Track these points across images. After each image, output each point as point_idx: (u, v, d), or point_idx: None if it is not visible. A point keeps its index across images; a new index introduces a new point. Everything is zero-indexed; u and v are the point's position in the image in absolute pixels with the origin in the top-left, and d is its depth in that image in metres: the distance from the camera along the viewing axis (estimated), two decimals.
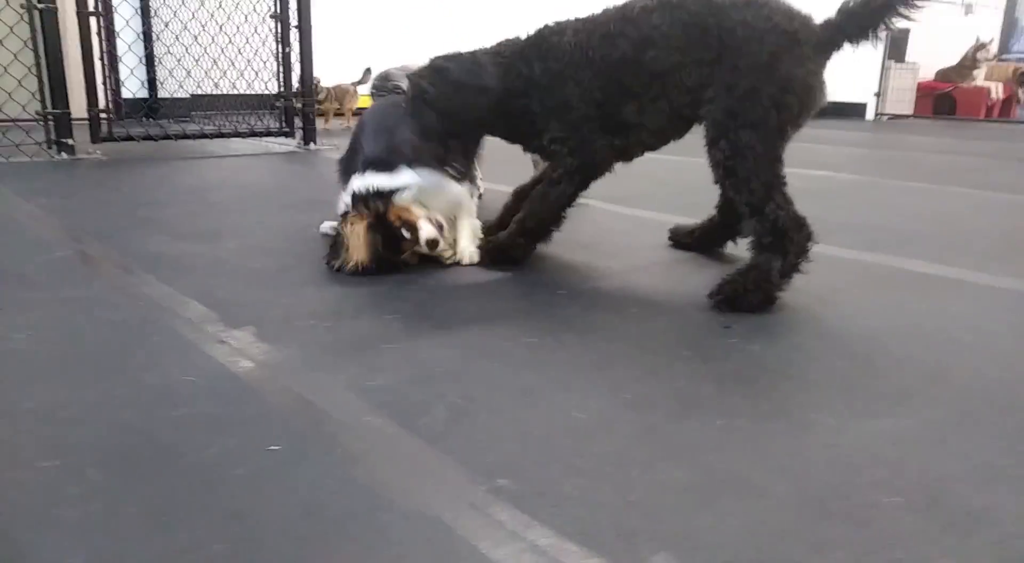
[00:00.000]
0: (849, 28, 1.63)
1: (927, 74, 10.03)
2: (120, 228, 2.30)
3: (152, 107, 4.98)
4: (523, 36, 1.88)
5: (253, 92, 4.64)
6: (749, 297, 1.63)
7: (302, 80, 4.42)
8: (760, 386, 1.24)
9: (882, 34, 1.63)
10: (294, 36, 4.31)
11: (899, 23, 1.60)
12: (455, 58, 1.86)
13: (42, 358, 1.29)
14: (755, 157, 1.62)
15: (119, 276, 1.79)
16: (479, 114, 1.86)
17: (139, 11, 5.19)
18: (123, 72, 4.63)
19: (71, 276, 1.78)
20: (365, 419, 1.10)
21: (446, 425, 1.08)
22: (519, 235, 1.94)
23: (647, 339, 1.46)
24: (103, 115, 3.94)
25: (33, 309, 1.53)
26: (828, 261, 2.11)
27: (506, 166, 2.87)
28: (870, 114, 9.44)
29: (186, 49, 4.55)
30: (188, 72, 4.57)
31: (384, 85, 2.67)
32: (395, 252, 1.86)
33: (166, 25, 4.54)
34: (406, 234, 1.83)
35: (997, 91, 9.92)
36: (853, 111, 9.43)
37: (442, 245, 1.88)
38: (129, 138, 4.01)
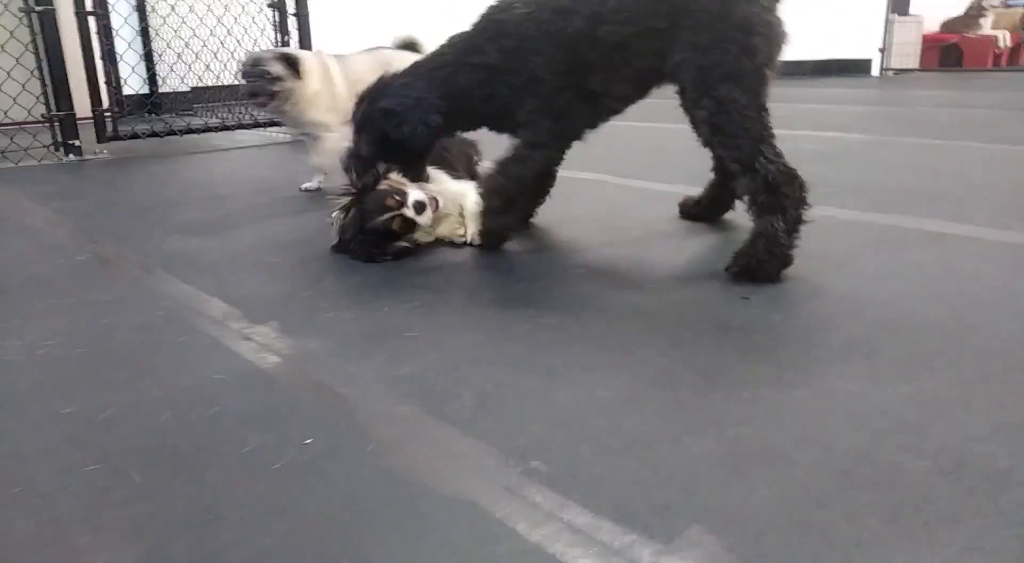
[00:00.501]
0: None
1: (932, 26, 9.90)
2: (135, 228, 2.32)
3: (155, 103, 4.99)
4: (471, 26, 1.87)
5: None
6: (766, 266, 1.63)
7: None
8: (783, 355, 1.26)
9: None
10: (292, 24, 4.30)
11: None
12: (391, 92, 1.85)
13: (75, 363, 1.31)
14: (739, 110, 1.62)
15: (140, 277, 1.81)
16: (422, 143, 1.86)
17: (136, 8, 5.18)
18: (124, 70, 4.63)
19: (93, 279, 1.80)
20: (395, 408, 1.12)
21: (475, 410, 1.10)
22: (500, 203, 1.89)
23: (667, 313, 1.47)
24: (107, 114, 3.96)
25: (61, 314, 1.55)
26: (843, 224, 2.11)
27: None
28: (875, 70, 9.34)
29: (185, 43, 4.54)
30: (189, 66, 4.57)
31: (252, 70, 2.63)
32: (387, 231, 1.89)
33: (164, 20, 4.53)
34: (396, 199, 1.85)
35: (1004, 39, 9.80)
36: (858, 68, 9.33)
37: (428, 215, 1.90)
38: (135, 136, 4.03)
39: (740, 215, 2.12)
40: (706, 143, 1.75)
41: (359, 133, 1.91)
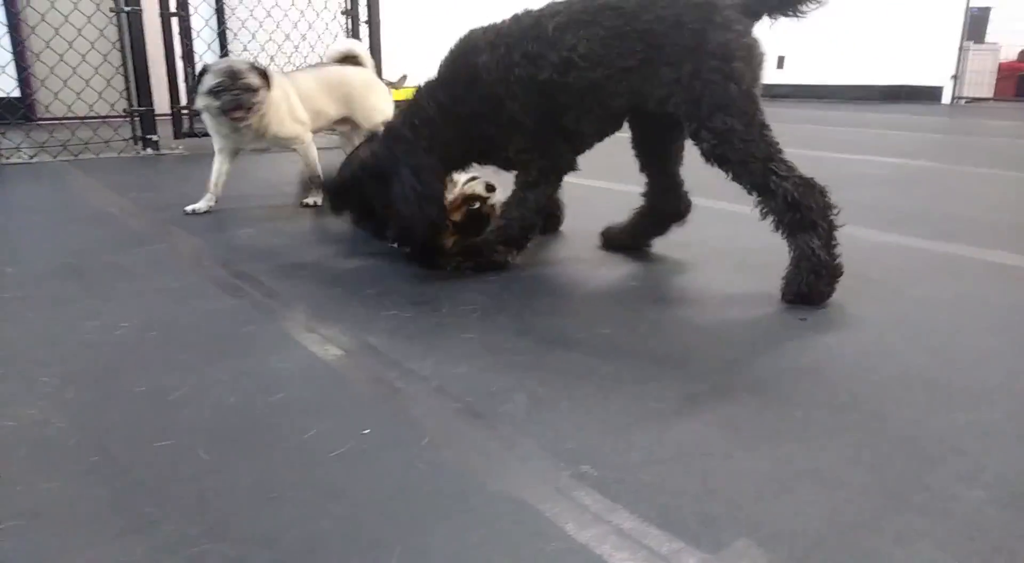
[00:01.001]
0: (770, 1, 1.65)
1: (1010, 54, 9.63)
2: (206, 221, 2.42)
3: None
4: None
5: None
6: (817, 287, 1.61)
7: None
8: (837, 378, 1.25)
9: (803, 13, 1.63)
10: (364, 32, 4.41)
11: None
12: (371, 167, 1.88)
13: (148, 345, 1.38)
14: (739, 137, 1.61)
15: (210, 268, 1.89)
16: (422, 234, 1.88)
17: (216, 10, 5.37)
18: None
19: (166, 268, 1.88)
20: (450, 405, 1.15)
21: (527, 412, 1.13)
22: (500, 242, 1.89)
23: (722, 331, 1.47)
24: (184, 112, 4.11)
25: (135, 299, 1.63)
26: (904, 251, 2.08)
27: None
28: (946, 98, 9.11)
29: (261, 46, 4.69)
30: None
31: (232, 83, 2.40)
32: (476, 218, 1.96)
33: (242, 23, 4.69)
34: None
35: None
36: (928, 95, 9.12)
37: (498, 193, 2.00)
38: (208, 134, 4.17)
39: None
40: (717, 165, 1.71)
41: (342, 197, 1.97)
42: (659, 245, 2.13)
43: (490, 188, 2.01)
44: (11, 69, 4.55)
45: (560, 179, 1.94)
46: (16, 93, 4.84)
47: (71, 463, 0.98)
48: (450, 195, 1.97)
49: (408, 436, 1.05)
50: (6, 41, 4.54)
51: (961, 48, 8.82)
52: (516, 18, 1.79)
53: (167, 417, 1.10)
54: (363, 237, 2.23)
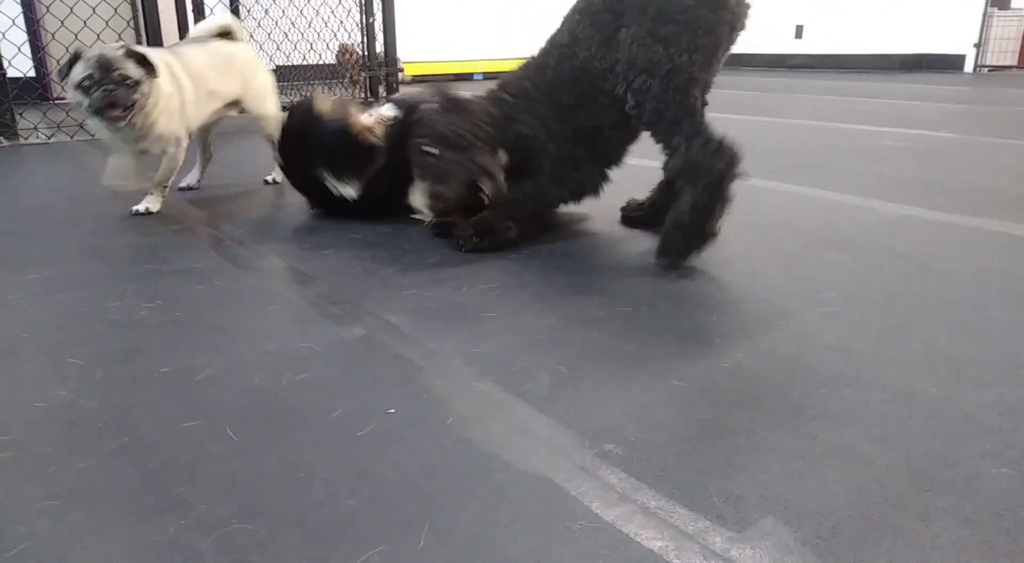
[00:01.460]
0: None
1: None
2: (226, 200, 2.42)
3: None
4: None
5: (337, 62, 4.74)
6: (681, 246, 1.70)
7: (385, 49, 4.49)
8: (862, 355, 1.24)
9: None
10: (378, 7, 4.38)
11: None
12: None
13: (172, 325, 1.39)
14: (652, 97, 1.67)
15: (230, 247, 1.90)
16: None
17: None
18: None
19: (189, 248, 1.89)
20: (473, 384, 1.15)
21: (550, 391, 1.13)
22: (512, 218, 1.88)
23: (743, 307, 1.47)
24: None
25: (158, 279, 1.64)
26: (928, 225, 2.05)
27: None
28: (969, 66, 8.95)
29: (275, 23, 4.67)
30: (277, 46, 4.70)
31: (106, 75, 2.02)
32: None
33: (256, 1, 4.67)
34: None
35: None
36: (950, 63, 8.96)
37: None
38: None
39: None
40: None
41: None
42: None
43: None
44: (26, 49, 4.56)
45: (584, 177, 1.97)
46: (32, 73, 4.85)
47: (102, 443, 0.99)
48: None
49: (433, 415, 1.06)
50: (21, 21, 4.54)
51: (985, 15, 8.63)
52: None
53: (194, 397, 1.11)
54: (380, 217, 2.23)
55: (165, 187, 2.31)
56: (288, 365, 1.22)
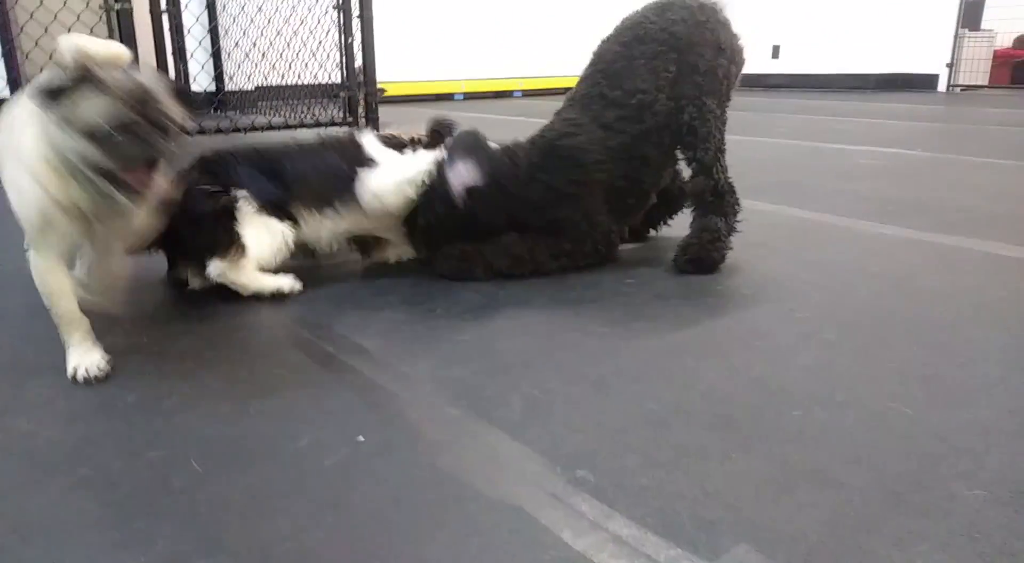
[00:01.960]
0: None
1: (1005, 41, 9.61)
2: None
3: (221, 100, 5.13)
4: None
5: (317, 82, 4.73)
6: (712, 255, 1.80)
7: (364, 70, 4.49)
8: (836, 375, 1.24)
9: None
10: (356, 26, 4.38)
11: None
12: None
13: (138, 352, 1.36)
14: (711, 116, 1.83)
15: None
16: None
17: (207, 7, 5.33)
18: (193, 67, 4.76)
19: (158, 272, 1.86)
20: (445, 410, 1.14)
21: (523, 416, 1.12)
22: (489, 264, 1.80)
23: (718, 327, 1.46)
24: None
25: (130, 304, 1.61)
26: (903, 244, 2.07)
27: None
28: (942, 86, 9.10)
29: (253, 43, 4.66)
30: (255, 65, 4.69)
31: None
32: None
33: (234, 19, 4.65)
34: None
35: None
36: (924, 83, 9.10)
37: None
38: (201, 132, 4.14)
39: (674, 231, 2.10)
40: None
41: None
42: (652, 243, 2.12)
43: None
44: (1, 69, 4.52)
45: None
46: (6, 93, 4.81)
47: (62, 476, 0.96)
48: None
49: (403, 443, 1.04)
50: None
51: (956, 36, 8.79)
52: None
53: (158, 426, 1.09)
54: None
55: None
56: (257, 392, 1.20)
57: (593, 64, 1.90)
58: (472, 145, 1.78)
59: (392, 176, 1.77)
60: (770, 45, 9.90)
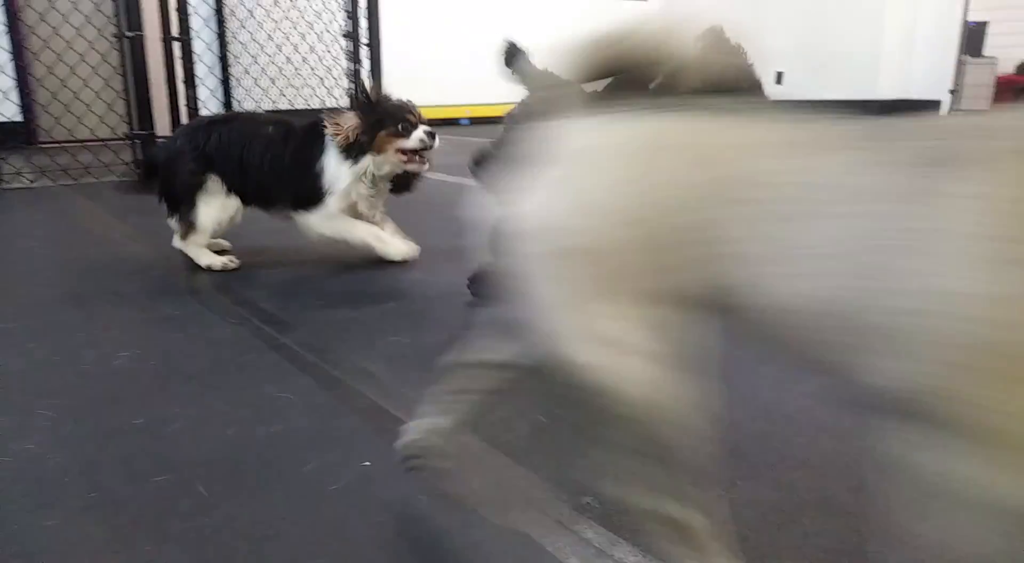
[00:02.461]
0: None
1: (1007, 68, 9.66)
2: None
3: None
4: None
5: (325, 107, 4.78)
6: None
7: None
8: (840, 402, 1.24)
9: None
10: (365, 54, 4.43)
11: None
12: None
13: (147, 375, 1.37)
14: None
15: (210, 294, 1.88)
16: None
17: (217, 35, 5.41)
18: (203, 93, 4.81)
19: (166, 295, 1.88)
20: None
21: (529, 442, 1.12)
22: None
23: (723, 353, 1.46)
24: None
25: (135, 328, 1.63)
26: None
27: None
28: (945, 111, 9.13)
29: (263, 70, 4.72)
30: (264, 91, 4.74)
31: None
32: None
33: (244, 48, 4.72)
34: None
35: None
36: (927, 109, 9.14)
37: None
38: None
39: None
40: None
41: None
42: None
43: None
44: (14, 95, 4.58)
45: None
46: (18, 117, 4.87)
47: (69, 500, 0.97)
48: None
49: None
50: (9, 67, 4.57)
51: (959, 62, 8.85)
52: None
53: (165, 450, 1.09)
54: (364, 261, 2.22)
55: None
56: (262, 416, 1.20)
57: None
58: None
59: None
60: (773, 71, 9.97)
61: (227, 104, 5.55)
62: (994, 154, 0.53)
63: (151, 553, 0.86)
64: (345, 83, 4.54)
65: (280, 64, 4.71)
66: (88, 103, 3.81)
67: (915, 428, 0.57)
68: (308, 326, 1.63)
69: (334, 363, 1.42)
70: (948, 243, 0.51)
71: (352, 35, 4.42)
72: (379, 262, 2.17)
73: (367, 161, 2.00)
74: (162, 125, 3.96)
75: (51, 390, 1.31)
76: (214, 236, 2.14)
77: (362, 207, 2.10)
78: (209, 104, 5.05)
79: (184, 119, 4.13)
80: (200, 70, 4.77)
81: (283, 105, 4.78)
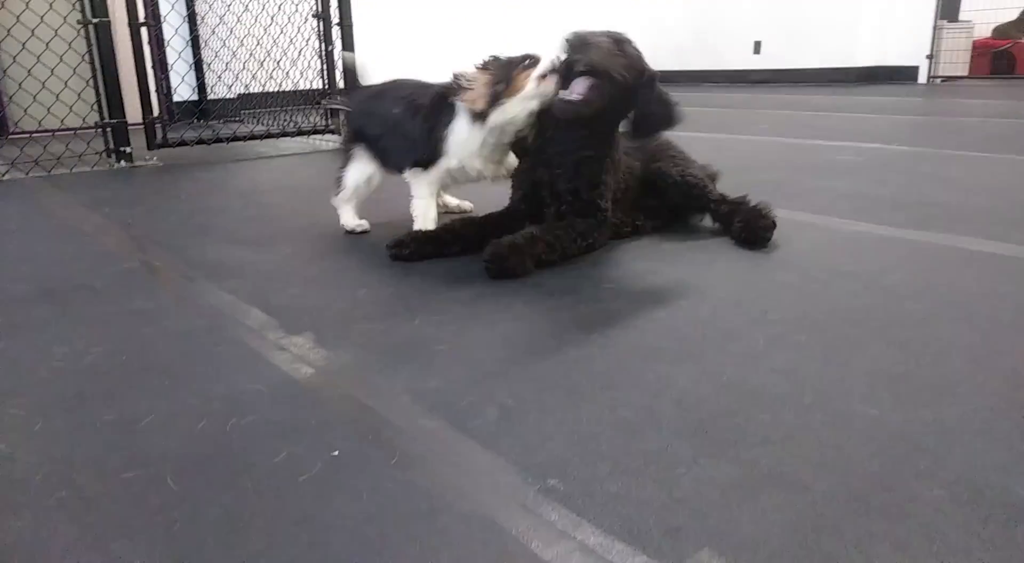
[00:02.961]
0: None
1: (983, 32, 9.69)
2: (181, 236, 2.41)
3: (203, 110, 5.13)
4: None
5: (299, 89, 4.74)
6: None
7: (345, 77, 4.50)
8: (804, 377, 1.26)
9: None
10: (336, 34, 4.39)
11: None
12: None
13: (119, 370, 1.38)
14: None
15: (183, 286, 1.88)
16: None
17: (187, 19, 5.33)
18: (174, 79, 4.76)
19: (139, 287, 1.87)
20: (421, 422, 1.15)
21: (497, 426, 1.13)
22: (535, 257, 1.89)
23: (692, 331, 1.48)
24: (157, 122, 4.08)
25: (106, 322, 1.62)
26: (877, 241, 2.10)
27: None
28: (922, 77, 9.16)
29: (233, 53, 4.66)
30: (236, 75, 4.69)
31: None
32: None
33: (213, 31, 4.65)
34: None
35: None
36: (905, 75, 9.17)
37: None
38: (183, 143, 4.14)
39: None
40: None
41: None
42: (638, 244, 2.14)
43: None
44: None
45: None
46: None
47: (39, 498, 0.97)
48: None
49: (377, 456, 1.06)
50: None
51: (935, 27, 8.86)
52: None
53: (136, 446, 1.10)
54: (339, 247, 2.22)
55: None
56: (234, 408, 1.21)
57: None
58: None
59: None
60: (751, 41, 9.95)
61: (200, 88, 5.49)
62: None
63: (120, 549, 0.87)
64: (318, 65, 4.50)
65: (250, 47, 4.66)
66: (56, 92, 3.75)
67: None
68: (282, 315, 1.64)
69: (306, 352, 1.43)
70: None
71: (323, 15, 4.37)
72: (353, 249, 2.17)
73: (499, 114, 2.03)
74: (133, 113, 3.92)
75: (21, 388, 1.31)
76: (359, 197, 2.39)
77: (486, 169, 2.16)
78: (181, 89, 5.00)
79: (156, 106, 4.08)
80: (170, 55, 4.72)
81: (255, 88, 4.74)
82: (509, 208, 2.16)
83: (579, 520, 0.90)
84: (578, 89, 1.88)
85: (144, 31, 3.91)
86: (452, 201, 2.55)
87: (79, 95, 3.82)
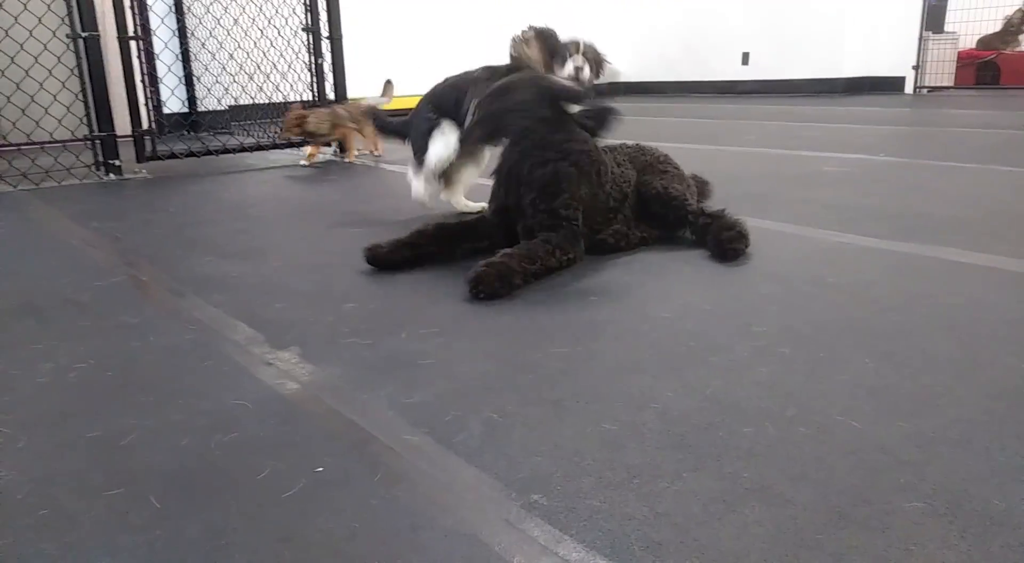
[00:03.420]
0: None
1: (968, 43, 9.78)
2: (169, 249, 2.40)
3: (194, 122, 5.13)
4: None
5: (288, 101, 4.75)
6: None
7: (335, 90, 4.51)
8: (788, 390, 1.27)
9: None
10: (326, 47, 4.40)
11: None
12: None
13: (104, 386, 1.37)
14: None
15: (170, 300, 1.88)
16: None
17: (176, 32, 5.34)
18: (164, 92, 4.77)
19: (126, 301, 1.87)
20: (405, 437, 1.15)
21: (482, 441, 1.14)
22: (520, 275, 1.88)
23: (676, 343, 1.49)
24: (147, 135, 4.07)
25: (92, 337, 1.62)
26: (861, 252, 2.11)
27: None
28: (908, 88, 9.24)
29: (223, 66, 4.67)
30: (226, 88, 4.69)
31: None
32: None
33: (203, 44, 4.66)
34: None
35: None
36: (891, 85, 9.25)
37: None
38: (172, 156, 4.14)
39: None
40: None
41: None
42: (620, 260, 2.15)
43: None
44: None
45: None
46: None
47: (20, 518, 0.97)
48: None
49: (361, 472, 1.06)
50: None
51: (920, 38, 8.95)
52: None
53: (120, 463, 1.10)
54: (327, 261, 2.23)
55: None
56: (219, 425, 1.21)
57: None
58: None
59: None
60: (740, 52, 10.02)
61: (190, 100, 5.49)
62: None
63: None
64: (307, 78, 4.51)
65: (240, 60, 4.66)
66: (45, 106, 3.75)
67: None
68: (268, 330, 1.64)
69: (292, 368, 1.43)
70: None
71: (312, 29, 4.39)
72: (340, 263, 2.18)
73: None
74: (123, 125, 3.92)
75: (5, 405, 1.31)
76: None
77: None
78: (170, 102, 5.00)
79: (145, 119, 4.08)
80: (160, 68, 4.73)
81: (245, 101, 4.74)
82: (483, 217, 2.24)
83: (561, 536, 0.90)
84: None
85: (133, 44, 3.91)
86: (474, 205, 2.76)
87: (68, 108, 3.82)
